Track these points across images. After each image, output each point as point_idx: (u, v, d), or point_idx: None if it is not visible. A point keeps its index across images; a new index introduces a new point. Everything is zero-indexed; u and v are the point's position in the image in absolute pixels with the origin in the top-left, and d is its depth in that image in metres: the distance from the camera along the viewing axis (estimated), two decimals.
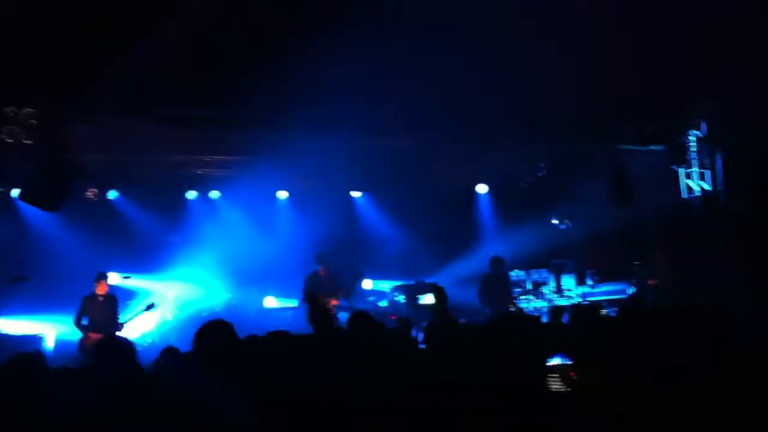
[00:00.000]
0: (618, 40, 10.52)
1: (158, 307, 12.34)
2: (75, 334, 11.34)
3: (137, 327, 12.53)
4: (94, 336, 10.97)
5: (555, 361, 4.39)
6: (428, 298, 9.06)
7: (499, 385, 3.91)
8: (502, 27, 9.86)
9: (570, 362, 4.33)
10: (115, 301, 11.70)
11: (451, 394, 3.83)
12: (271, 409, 3.68)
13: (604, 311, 8.57)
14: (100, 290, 11.51)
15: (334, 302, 12.76)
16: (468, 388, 3.85)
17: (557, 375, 4.30)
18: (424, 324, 8.61)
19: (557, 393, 4.18)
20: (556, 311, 9.54)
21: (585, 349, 4.20)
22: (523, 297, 13.90)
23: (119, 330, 11.35)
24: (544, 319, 11.45)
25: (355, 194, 16.58)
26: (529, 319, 6.31)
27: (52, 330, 12.47)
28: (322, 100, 10.68)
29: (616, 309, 8.50)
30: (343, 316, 12.26)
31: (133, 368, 4.87)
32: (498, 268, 13.43)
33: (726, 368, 3.50)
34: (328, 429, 3.72)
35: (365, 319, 6.39)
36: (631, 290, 13.11)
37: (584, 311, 6.45)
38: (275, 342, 5.22)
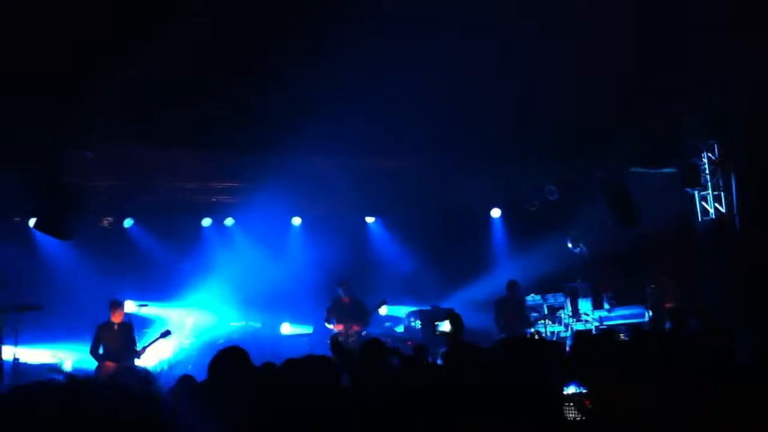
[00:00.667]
0: (628, 60, 10.53)
1: (174, 334, 12.33)
2: (92, 363, 11.31)
3: (154, 355, 12.53)
4: (110, 365, 10.95)
5: (570, 390, 4.38)
6: (446, 326, 9.02)
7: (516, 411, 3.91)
8: (509, 49, 9.90)
9: (585, 390, 4.31)
10: (131, 328, 11.59)
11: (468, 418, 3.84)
12: None
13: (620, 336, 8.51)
14: (116, 318, 11.42)
15: (355, 328, 12.75)
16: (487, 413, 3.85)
17: (572, 403, 4.28)
18: (443, 350, 8.58)
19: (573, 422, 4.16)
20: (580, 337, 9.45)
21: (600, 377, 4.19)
22: (540, 321, 13.83)
23: (137, 358, 11.29)
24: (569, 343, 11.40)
25: (369, 219, 16.62)
26: (547, 345, 6.29)
27: (69, 358, 12.51)
28: (334, 124, 10.73)
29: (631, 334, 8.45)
30: (360, 341, 12.31)
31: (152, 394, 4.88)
32: (513, 291, 13.41)
33: (730, 394, 3.49)
34: None
35: (378, 348, 6.37)
36: (648, 314, 13.01)
37: (587, 340, 6.41)
38: (292, 370, 5.22)
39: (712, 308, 11.46)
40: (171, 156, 12.46)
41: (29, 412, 3.15)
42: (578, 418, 4.19)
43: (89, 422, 2.88)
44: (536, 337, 12.20)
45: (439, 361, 8.99)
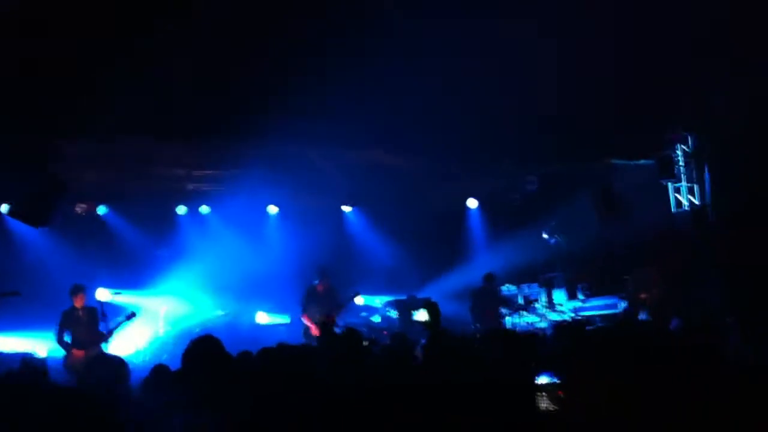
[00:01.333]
0: (605, 55, 10.59)
1: (141, 315, 12.17)
2: (59, 352, 11.19)
3: (129, 343, 12.44)
4: (79, 353, 10.83)
5: (543, 380, 4.39)
6: (421, 314, 9.02)
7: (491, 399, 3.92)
8: (492, 45, 9.92)
9: (558, 381, 4.32)
10: (95, 312, 11.39)
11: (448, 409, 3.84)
12: (261, 428, 3.66)
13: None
14: (78, 303, 11.26)
15: (330, 318, 12.71)
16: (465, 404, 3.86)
17: (545, 393, 4.29)
18: (423, 341, 8.59)
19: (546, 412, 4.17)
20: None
21: (573, 367, 4.21)
22: (515, 312, 13.88)
23: (104, 341, 11.12)
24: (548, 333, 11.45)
25: (346, 209, 16.60)
26: (520, 338, 6.31)
27: (43, 347, 12.38)
28: (312, 114, 10.69)
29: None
30: (337, 331, 12.28)
31: (124, 388, 4.84)
32: (490, 283, 13.46)
33: (712, 389, 3.51)
34: None
35: (356, 338, 6.35)
36: (622, 304, 13.10)
37: (567, 329, 6.45)
38: (269, 359, 5.19)
39: (695, 302, 11.60)
40: (147, 143, 12.36)
41: None
42: (551, 409, 4.20)
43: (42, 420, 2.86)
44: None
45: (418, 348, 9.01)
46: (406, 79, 10.26)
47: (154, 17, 8.59)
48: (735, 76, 11.38)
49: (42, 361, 8.93)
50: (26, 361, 8.04)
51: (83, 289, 11.45)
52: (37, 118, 10.15)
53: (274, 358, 4.99)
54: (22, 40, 8.72)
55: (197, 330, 12.66)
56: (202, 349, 4.51)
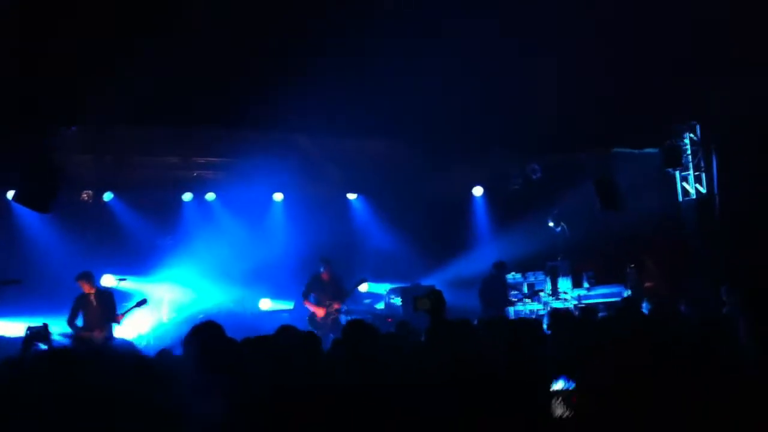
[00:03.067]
0: (611, 43, 10.53)
1: (149, 303, 12.24)
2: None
3: (133, 329, 12.48)
4: (86, 335, 10.92)
5: (558, 385, 4.36)
6: (425, 302, 8.94)
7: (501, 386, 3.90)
8: (493, 34, 9.87)
9: (572, 386, 4.27)
10: (109, 297, 11.50)
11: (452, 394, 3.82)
12: (260, 412, 3.65)
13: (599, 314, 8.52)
14: (86, 289, 11.36)
15: (336, 305, 12.74)
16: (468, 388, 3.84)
17: (560, 399, 4.26)
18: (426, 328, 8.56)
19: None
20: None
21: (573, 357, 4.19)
22: (521, 300, 13.88)
23: (118, 323, 11.24)
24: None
25: (351, 196, 16.60)
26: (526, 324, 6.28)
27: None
28: (315, 102, 10.67)
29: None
30: (343, 319, 12.32)
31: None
32: (500, 271, 13.46)
33: (706, 378, 3.48)
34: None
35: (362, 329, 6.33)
36: (627, 293, 13.08)
37: (562, 317, 6.44)
38: (270, 344, 5.19)
39: (698, 291, 11.57)
40: (153, 131, 12.36)
41: (26, 381, 3.13)
42: (566, 415, 4.17)
43: (84, 389, 2.86)
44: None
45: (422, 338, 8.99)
46: (404, 67, 10.22)
47: (152, 6, 8.57)
48: (742, 65, 11.31)
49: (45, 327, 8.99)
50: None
51: (86, 275, 11.49)
52: (35, 104, 10.14)
53: (276, 345, 5.00)
54: (20, 29, 8.71)
55: (200, 316, 12.70)
56: (205, 334, 4.52)
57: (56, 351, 3.77)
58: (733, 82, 11.68)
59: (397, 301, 14.76)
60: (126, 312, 11.49)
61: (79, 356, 3.40)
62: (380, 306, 15.39)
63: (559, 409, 4.17)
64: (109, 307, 11.38)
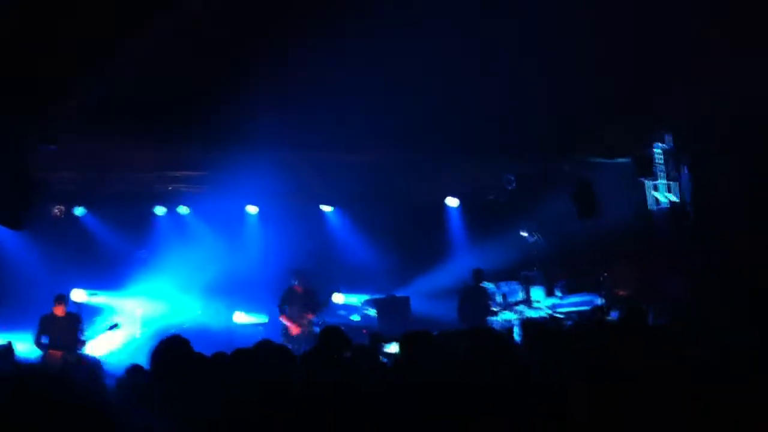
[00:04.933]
0: (582, 54, 10.60)
1: (121, 326, 12.19)
2: (36, 353, 11.16)
3: (104, 345, 12.37)
4: (56, 353, 10.84)
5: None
6: (393, 348, 8.91)
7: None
8: (468, 42, 9.91)
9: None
10: (76, 319, 11.47)
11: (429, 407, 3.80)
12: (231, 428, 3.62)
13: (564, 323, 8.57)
14: (58, 312, 11.32)
15: (309, 316, 12.70)
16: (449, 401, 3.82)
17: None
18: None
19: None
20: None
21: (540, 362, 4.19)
22: (501, 311, 13.88)
23: (81, 348, 11.19)
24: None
25: (326, 208, 16.57)
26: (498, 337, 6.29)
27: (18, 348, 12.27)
28: (286, 116, 10.66)
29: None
30: (317, 330, 12.28)
31: (99, 387, 4.80)
32: (478, 280, 13.46)
33: (675, 383, 3.50)
34: None
35: (337, 335, 6.34)
36: (599, 301, 13.15)
37: (533, 326, 6.46)
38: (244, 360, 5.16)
39: (672, 300, 11.65)
40: (125, 145, 12.26)
41: None
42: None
43: (36, 409, 2.81)
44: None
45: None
46: (384, 77, 10.23)
47: (125, 16, 8.50)
48: (712, 74, 11.42)
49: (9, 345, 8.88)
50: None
51: (65, 299, 11.49)
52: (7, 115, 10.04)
53: (250, 360, 4.96)
54: None
55: (173, 331, 12.60)
56: (170, 349, 4.48)
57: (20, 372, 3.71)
58: (704, 92, 11.80)
59: (372, 312, 14.74)
60: (94, 337, 11.49)
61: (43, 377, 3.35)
62: (355, 318, 15.36)
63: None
64: (77, 328, 11.33)
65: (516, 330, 7.75)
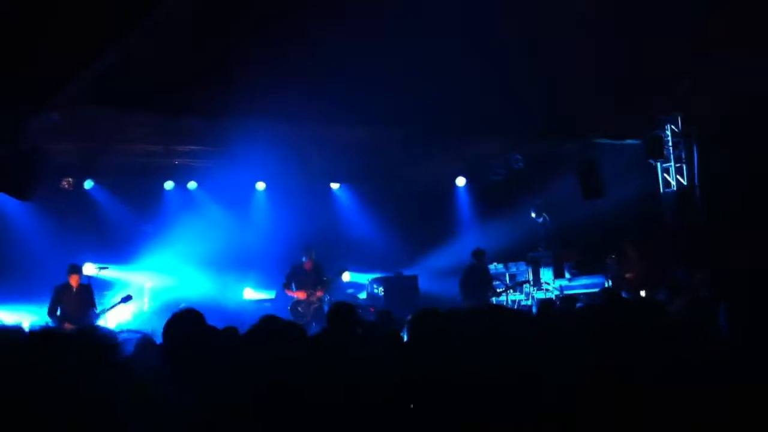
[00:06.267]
0: (595, 34, 10.54)
1: (134, 299, 12.23)
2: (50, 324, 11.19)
3: (113, 318, 12.42)
4: (69, 326, 10.85)
5: None
6: None
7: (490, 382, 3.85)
8: (478, 22, 9.84)
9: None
10: (89, 290, 11.48)
11: (438, 391, 3.77)
12: (239, 404, 3.61)
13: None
14: (73, 282, 11.32)
15: (319, 293, 12.71)
16: (457, 386, 3.79)
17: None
18: (408, 317, 8.58)
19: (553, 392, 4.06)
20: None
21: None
22: (504, 290, 13.87)
23: (96, 320, 11.21)
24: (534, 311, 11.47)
25: (334, 186, 16.58)
26: (516, 313, 6.29)
27: (25, 320, 12.34)
28: (298, 89, 10.61)
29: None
30: (326, 308, 12.31)
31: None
32: (480, 260, 13.42)
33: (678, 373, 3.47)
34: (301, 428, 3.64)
35: (346, 310, 6.33)
36: (609, 283, 13.15)
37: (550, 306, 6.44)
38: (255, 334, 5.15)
39: (678, 282, 11.61)
40: (134, 118, 12.25)
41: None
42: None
43: (59, 366, 2.83)
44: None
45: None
46: (394, 54, 10.17)
47: None
48: (724, 57, 11.35)
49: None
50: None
51: (78, 269, 11.48)
52: (12, 87, 10.00)
53: (260, 336, 4.95)
54: None
55: (182, 305, 12.64)
56: (183, 323, 4.47)
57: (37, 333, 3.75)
58: (715, 74, 11.74)
59: (380, 291, 14.77)
60: (108, 309, 11.53)
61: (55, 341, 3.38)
62: (363, 296, 15.40)
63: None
64: (90, 299, 11.37)
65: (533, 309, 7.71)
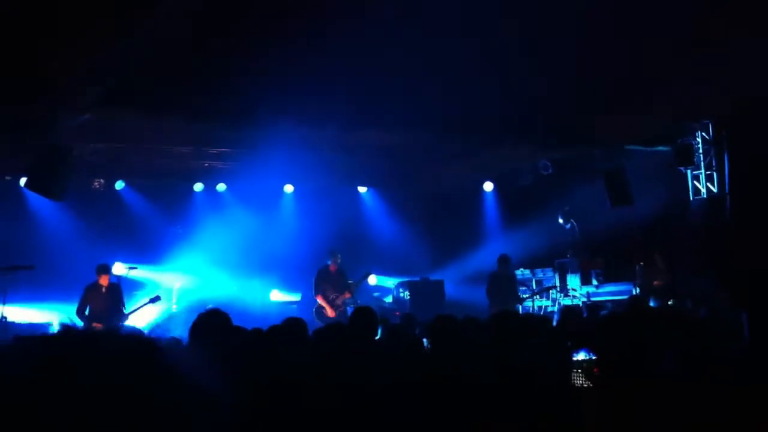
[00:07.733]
0: (624, 38, 10.47)
1: (162, 300, 12.34)
2: (78, 324, 11.32)
3: (142, 318, 12.55)
4: (98, 326, 10.98)
5: (580, 356, 4.36)
6: None
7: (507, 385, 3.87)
8: (505, 23, 9.81)
9: (594, 357, 4.24)
10: (119, 290, 11.59)
11: (456, 393, 3.79)
12: (262, 403, 3.65)
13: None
14: (103, 281, 11.44)
15: (347, 295, 12.78)
16: (473, 387, 3.81)
17: (581, 370, 4.25)
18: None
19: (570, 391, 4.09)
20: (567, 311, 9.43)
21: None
22: (530, 297, 13.80)
23: (123, 320, 11.32)
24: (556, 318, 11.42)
25: (361, 189, 16.62)
26: (536, 320, 6.28)
27: (56, 319, 12.52)
28: (326, 94, 10.65)
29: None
30: (350, 310, 12.35)
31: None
32: (505, 266, 13.39)
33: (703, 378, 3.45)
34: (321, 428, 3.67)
35: (368, 315, 6.36)
36: (636, 291, 13.04)
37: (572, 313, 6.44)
38: (277, 335, 5.21)
39: (704, 290, 11.49)
40: (164, 121, 12.36)
41: (33, 358, 3.16)
42: (586, 385, 4.14)
43: (91, 363, 2.89)
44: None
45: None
46: (419, 57, 10.18)
47: None
48: (755, 63, 11.22)
49: None
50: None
51: (108, 269, 11.60)
52: (39, 88, 10.15)
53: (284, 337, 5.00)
54: (19, 11, 8.68)
55: (209, 306, 12.73)
56: (210, 323, 4.53)
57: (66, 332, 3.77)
58: (746, 81, 11.61)
59: (406, 295, 14.78)
60: (137, 309, 11.62)
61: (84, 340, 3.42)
62: (388, 299, 15.42)
63: (579, 381, 4.14)
64: (119, 299, 11.47)
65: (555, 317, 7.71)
